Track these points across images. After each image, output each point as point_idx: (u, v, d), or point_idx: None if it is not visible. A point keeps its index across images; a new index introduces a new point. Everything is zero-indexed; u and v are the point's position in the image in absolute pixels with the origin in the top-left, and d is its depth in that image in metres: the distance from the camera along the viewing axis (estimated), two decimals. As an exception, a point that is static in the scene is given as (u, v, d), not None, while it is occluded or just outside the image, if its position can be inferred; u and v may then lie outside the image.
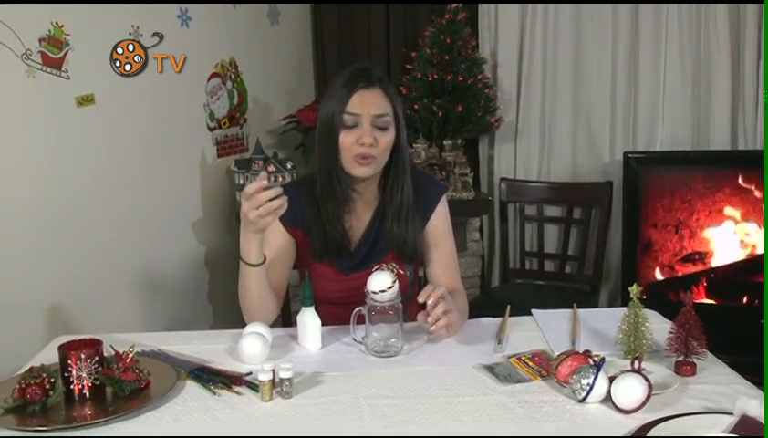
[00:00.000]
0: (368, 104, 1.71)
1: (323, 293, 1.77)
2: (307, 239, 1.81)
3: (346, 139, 1.71)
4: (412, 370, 1.54)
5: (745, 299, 3.19)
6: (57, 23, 2.51)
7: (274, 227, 1.73)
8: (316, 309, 1.67)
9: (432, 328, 1.58)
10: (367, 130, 1.70)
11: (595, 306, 3.24)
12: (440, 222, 1.88)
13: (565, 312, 1.85)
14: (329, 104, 1.74)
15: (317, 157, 1.79)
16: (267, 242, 1.72)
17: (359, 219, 1.83)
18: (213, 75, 3.24)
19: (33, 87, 2.47)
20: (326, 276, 1.80)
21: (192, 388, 1.48)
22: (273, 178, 1.58)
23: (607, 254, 3.46)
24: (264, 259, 1.66)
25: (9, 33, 2.37)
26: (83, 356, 1.38)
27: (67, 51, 2.54)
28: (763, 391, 1.36)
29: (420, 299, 1.59)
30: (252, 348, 1.56)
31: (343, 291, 1.78)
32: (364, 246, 1.82)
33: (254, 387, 1.44)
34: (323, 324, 1.69)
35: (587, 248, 3.39)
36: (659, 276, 3.32)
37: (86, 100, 2.63)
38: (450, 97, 3.30)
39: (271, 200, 1.51)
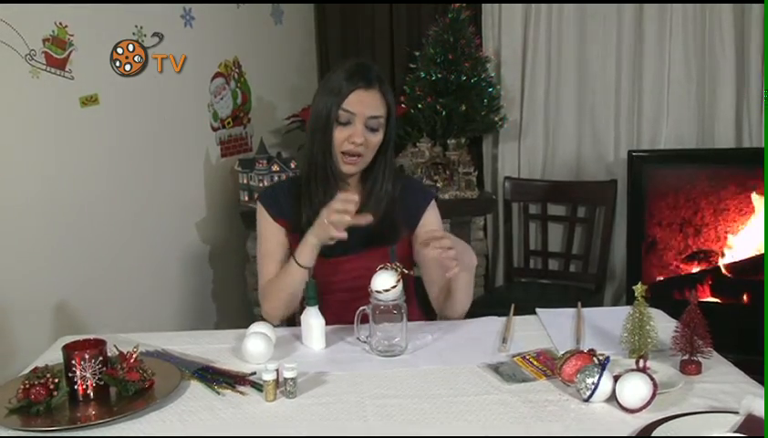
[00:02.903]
0: (364, 104, 1.74)
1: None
2: (293, 234, 1.83)
3: (338, 135, 1.75)
4: (416, 370, 1.54)
5: (751, 298, 3.18)
6: (60, 23, 2.51)
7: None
8: (320, 309, 1.67)
9: (443, 255, 1.57)
10: (359, 131, 1.74)
11: (599, 305, 3.23)
12: (432, 224, 1.88)
13: (570, 311, 1.84)
14: (327, 97, 1.76)
15: (309, 144, 1.81)
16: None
17: None
18: (217, 75, 3.24)
19: (37, 87, 2.47)
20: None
21: (196, 388, 1.48)
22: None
23: (612, 252, 3.45)
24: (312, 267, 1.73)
25: (13, 33, 2.37)
26: (87, 356, 1.38)
27: (70, 51, 2.54)
28: (769, 389, 1.36)
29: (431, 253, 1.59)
30: (256, 347, 1.56)
31: (324, 276, 1.78)
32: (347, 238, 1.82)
33: (258, 387, 1.44)
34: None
35: (592, 247, 3.39)
36: (663, 274, 3.31)
37: (90, 101, 2.63)
38: (453, 96, 3.29)
39: (341, 212, 1.61)
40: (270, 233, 1.86)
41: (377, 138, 1.77)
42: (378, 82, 1.76)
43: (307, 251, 1.71)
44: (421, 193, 1.94)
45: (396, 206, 1.84)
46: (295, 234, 1.82)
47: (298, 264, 1.72)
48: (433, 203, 1.92)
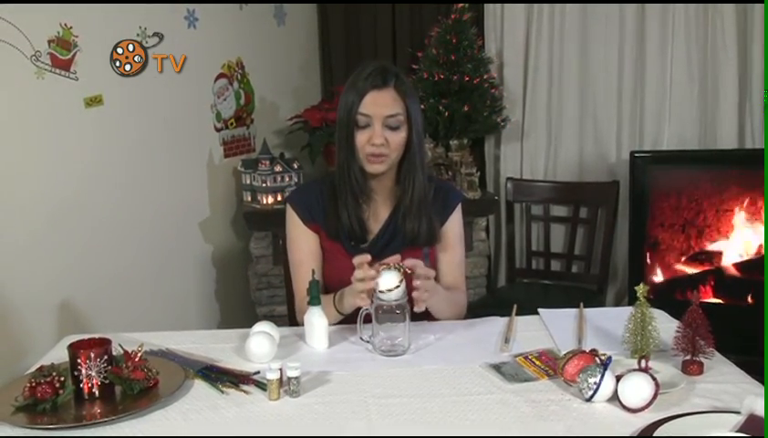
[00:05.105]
0: (379, 105, 1.75)
1: (339, 277, 1.76)
2: (325, 233, 1.86)
3: (359, 138, 1.77)
4: (419, 369, 1.54)
5: (752, 298, 3.18)
6: (65, 24, 2.52)
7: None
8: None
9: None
10: (378, 131, 1.75)
11: (601, 305, 3.23)
12: (453, 227, 1.93)
13: (572, 311, 1.85)
14: (344, 103, 1.79)
15: (337, 149, 1.84)
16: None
17: (378, 214, 1.88)
18: (220, 75, 3.25)
19: (42, 88, 2.48)
20: (340, 257, 1.82)
21: (200, 387, 1.49)
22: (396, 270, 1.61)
23: (614, 253, 3.46)
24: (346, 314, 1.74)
25: (19, 34, 2.38)
26: (92, 355, 1.39)
27: (75, 52, 2.56)
28: (770, 390, 1.36)
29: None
30: (259, 347, 1.56)
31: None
32: (381, 240, 1.85)
33: (261, 386, 1.45)
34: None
35: (594, 248, 3.39)
36: (665, 275, 3.31)
37: (94, 101, 2.64)
38: (456, 97, 3.30)
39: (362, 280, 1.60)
40: (301, 240, 1.87)
41: (398, 136, 1.78)
42: (394, 80, 1.77)
43: (347, 304, 1.71)
44: (451, 195, 1.96)
45: (431, 209, 1.87)
46: (335, 241, 1.84)
47: (337, 310, 1.73)
48: (459, 206, 1.95)
